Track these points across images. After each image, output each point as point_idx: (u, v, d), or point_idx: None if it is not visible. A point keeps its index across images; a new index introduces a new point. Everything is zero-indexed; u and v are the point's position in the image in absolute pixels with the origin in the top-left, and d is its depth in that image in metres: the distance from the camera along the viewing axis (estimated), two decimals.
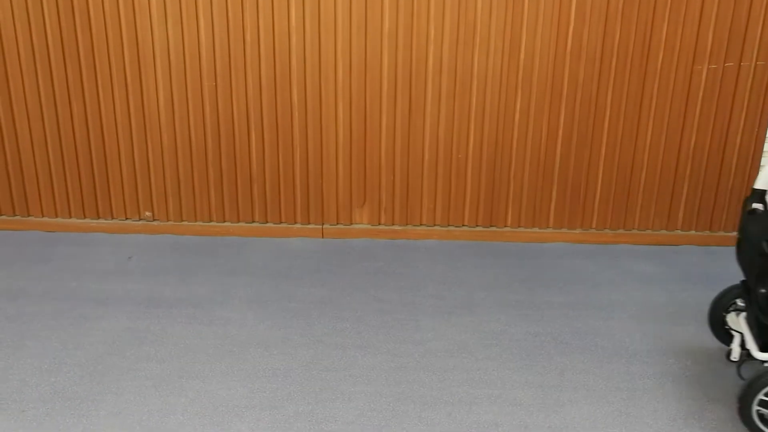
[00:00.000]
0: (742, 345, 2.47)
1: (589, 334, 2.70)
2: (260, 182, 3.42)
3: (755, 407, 2.12)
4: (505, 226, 3.50)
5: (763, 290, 2.08)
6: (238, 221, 3.49)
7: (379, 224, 3.49)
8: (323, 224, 3.49)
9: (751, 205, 2.31)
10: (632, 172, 3.37)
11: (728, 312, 2.52)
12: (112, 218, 3.50)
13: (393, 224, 3.49)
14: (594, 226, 3.47)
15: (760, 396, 2.10)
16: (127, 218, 3.50)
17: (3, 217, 3.51)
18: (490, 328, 2.75)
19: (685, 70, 3.21)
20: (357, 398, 2.33)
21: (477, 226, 3.49)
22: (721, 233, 3.47)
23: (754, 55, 3.19)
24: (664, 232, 3.49)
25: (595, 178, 3.39)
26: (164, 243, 3.40)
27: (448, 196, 3.43)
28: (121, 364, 2.48)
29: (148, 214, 3.49)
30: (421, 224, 3.49)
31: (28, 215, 3.51)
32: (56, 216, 3.50)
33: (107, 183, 3.44)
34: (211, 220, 3.50)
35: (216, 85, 3.25)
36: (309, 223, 3.50)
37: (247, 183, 3.42)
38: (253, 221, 3.49)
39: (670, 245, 3.46)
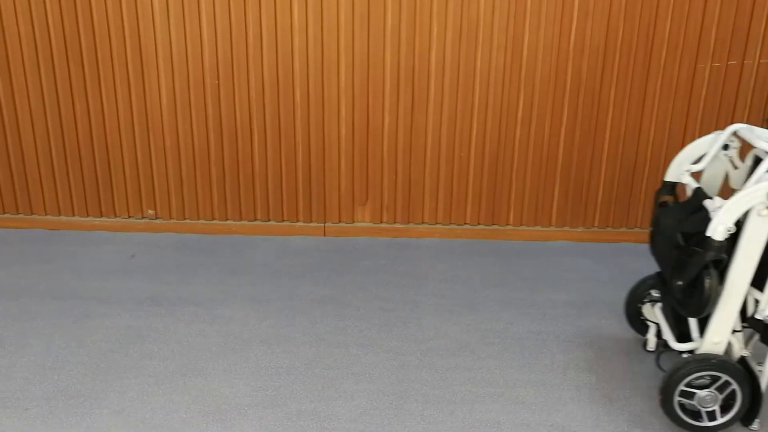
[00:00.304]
0: (658, 335, 2.50)
1: (591, 333, 2.70)
2: (262, 180, 3.42)
3: (677, 398, 2.12)
4: (507, 225, 3.50)
5: (679, 282, 2.08)
6: (241, 219, 3.50)
7: (381, 222, 3.49)
8: (325, 222, 3.49)
9: (661, 198, 2.33)
10: (635, 170, 3.37)
11: (644, 303, 2.55)
12: (115, 216, 3.51)
13: (395, 222, 3.49)
14: (596, 224, 3.47)
15: (681, 387, 2.10)
16: (129, 216, 3.51)
17: (6, 215, 3.52)
18: (492, 326, 2.75)
19: (688, 68, 3.20)
20: (359, 396, 2.34)
21: (479, 224, 3.49)
22: None
23: (757, 53, 3.18)
24: None
25: (598, 176, 3.38)
26: (167, 241, 3.41)
27: (450, 195, 3.43)
28: (124, 362, 2.49)
29: (150, 212, 3.49)
30: (423, 222, 3.49)
31: (31, 213, 3.51)
32: (59, 214, 3.50)
33: (110, 181, 3.44)
34: (213, 219, 3.50)
35: (218, 82, 3.25)
36: (311, 222, 3.50)
37: (249, 181, 3.42)
38: (256, 219, 3.50)
39: None
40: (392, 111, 3.29)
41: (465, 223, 3.49)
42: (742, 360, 2.16)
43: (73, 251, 3.29)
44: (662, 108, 3.26)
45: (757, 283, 2.08)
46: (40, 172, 3.43)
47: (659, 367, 2.41)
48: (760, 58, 3.19)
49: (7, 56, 3.23)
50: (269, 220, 3.50)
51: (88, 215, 3.50)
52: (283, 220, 3.50)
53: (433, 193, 3.43)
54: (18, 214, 3.52)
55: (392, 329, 2.71)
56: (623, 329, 2.72)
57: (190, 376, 2.42)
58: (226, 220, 3.50)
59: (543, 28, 3.15)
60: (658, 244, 2.30)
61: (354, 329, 2.70)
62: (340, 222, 3.49)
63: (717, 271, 2.00)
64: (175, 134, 3.34)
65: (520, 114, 3.29)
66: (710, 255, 1.96)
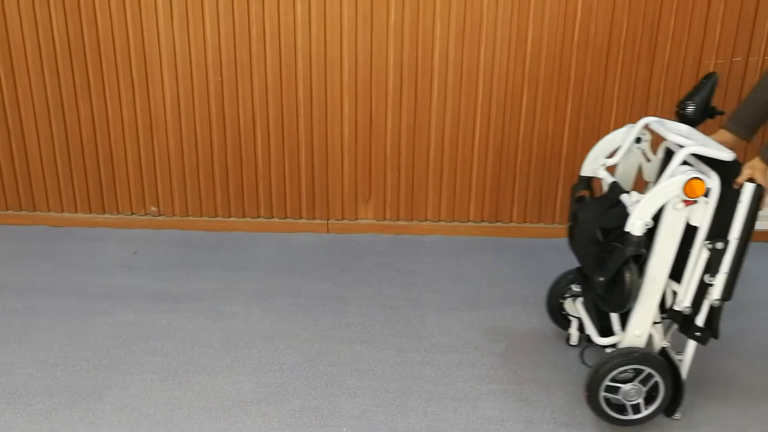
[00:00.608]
0: (580, 329, 2.50)
1: None
2: (266, 178, 3.42)
3: (602, 393, 2.11)
4: (511, 222, 3.49)
5: (600, 279, 2.08)
6: (244, 216, 3.49)
7: (385, 219, 3.48)
8: (329, 219, 3.49)
9: (578, 193, 2.32)
10: None
11: (565, 298, 2.54)
12: (118, 213, 3.51)
13: (398, 219, 3.48)
14: None
15: (606, 382, 2.10)
16: (133, 213, 3.51)
17: (10, 212, 3.52)
18: (496, 324, 2.74)
19: (692, 64, 3.19)
20: (362, 393, 2.33)
21: (482, 221, 3.48)
22: None
23: (762, 50, 3.17)
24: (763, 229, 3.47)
25: None
26: (170, 238, 3.41)
27: (454, 192, 3.42)
28: (127, 359, 2.49)
29: (153, 209, 3.49)
30: (426, 219, 3.48)
31: (35, 210, 3.52)
32: (62, 211, 3.51)
33: (113, 178, 3.44)
34: (216, 216, 3.50)
35: (222, 80, 3.25)
36: (314, 219, 3.50)
37: (252, 178, 3.42)
38: (259, 216, 3.49)
39: None
40: (395, 108, 3.28)
41: (468, 220, 3.48)
42: (663, 351, 2.17)
43: (77, 248, 3.29)
44: (666, 104, 3.25)
45: (674, 275, 2.08)
46: (43, 169, 3.43)
47: (584, 362, 2.40)
48: (764, 55, 3.18)
49: (11, 54, 3.23)
50: (272, 217, 3.49)
51: (91, 212, 3.51)
52: (286, 217, 3.50)
53: (436, 190, 3.42)
54: (21, 211, 3.52)
55: (395, 326, 2.70)
56: None
57: (193, 372, 2.42)
58: (229, 217, 3.49)
59: (547, 24, 3.14)
60: (576, 239, 2.29)
61: (357, 326, 2.70)
62: (343, 219, 3.49)
63: (637, 265, 1.99)
64: (178, 132, 3.34)
65: (523, 110, 3.28)
66: (629, 250, 1.96)
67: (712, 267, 2.00)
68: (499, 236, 3.47)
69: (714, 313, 2.06)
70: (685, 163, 2.04)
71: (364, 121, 3.30)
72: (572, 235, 2.33)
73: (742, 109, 2.19)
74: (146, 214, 3.50)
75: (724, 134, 2.21)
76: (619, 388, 2.11)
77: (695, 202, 1.95)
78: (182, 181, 3.43)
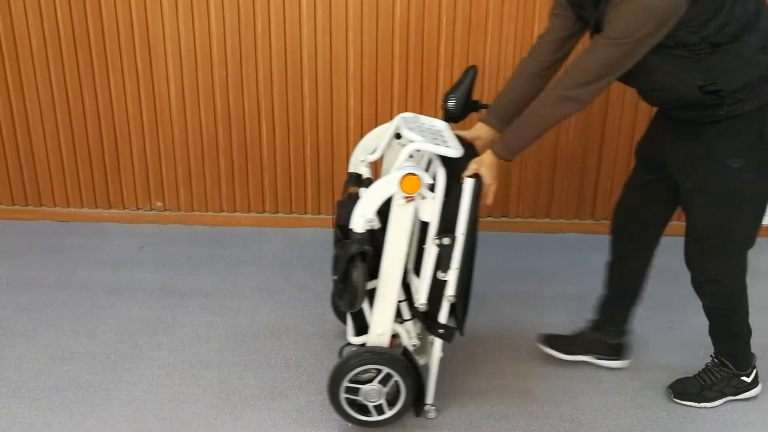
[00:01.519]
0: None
1: None
2: (271, 172, 3.41)
3: (343, 395, 2.07)
4: (517, 217, 3.48)
5: (334, 277, 2.01)
6: (249, 211, 3.50)
7: None
8: (334, 214, 3.48)
9: (349, 189, 2.27)
10: None
11: None
12: (124, 208, 3.51)
13: None
14: (606, 216, 3.45)
15: (346, 383, 2.05)
16: (138, 208, 3.51)
17: (16, 206, 3.53)
18: (501, 318, 2.74)
19: None
20: None
21: (488, 216, 3.48)
22: None
23: None
24: (676, 222, 3.44)
25: (608, 166, 3.36)
26: (175, 233, 3.41)
27: None
28: (134, 353, 2.49)
29: (159, 204, 3.50)
30: None
31: (41, 205, 3.52)
32: (68, 206, 3.51)
33: (119, 173, 3.44)
34: (222, 210, 3.50)
35: (227, 74, 3.24)
36: (320, 213, 3.49)
37: (258, 173, 3.42)
38: (264, 211, 3.50)
39: (683, 236, 3.43)
40: (401, 102, 3.27)
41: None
42: (405, 351, 2.10)
43: (83, 243, 3.30)
44: None
45: (419, 271, 2.04)
46: (49, 164, 3.44)
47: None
48: None
49: (17, 49, 3.23)
50: (278, 212, 3.49)
51: (97, 207, 3.51)
52: (291, 212, 3.50)
53: None
54: (27, 205, 3.53)
55: None
56: (636, 321, 2.71)
57: (199, 367, 2.43)
58: (235, 212, 3.50)
59: None
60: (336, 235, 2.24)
61: None
62: None
63: (364, 263, 1.93)
64: (183, 126, 3.34)
65: None
66: (354, 248, 1.90)
67: (442, 263, 1.95)
68: (505, 231, 3.47)
69: (455, 309, 2.01)
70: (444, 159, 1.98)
71: (370, 114, 3.30)
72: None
73: (498, 102, 2.14)
74: (152, 209, 3.50)
75: (481, 128, 2.17)
76: (359, 389, 2.05)
77: (414, 198, 1.89)
78: (187, 176, 3.43)
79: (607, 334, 2.42)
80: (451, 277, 1.95)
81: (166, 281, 2.96)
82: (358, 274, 1.92)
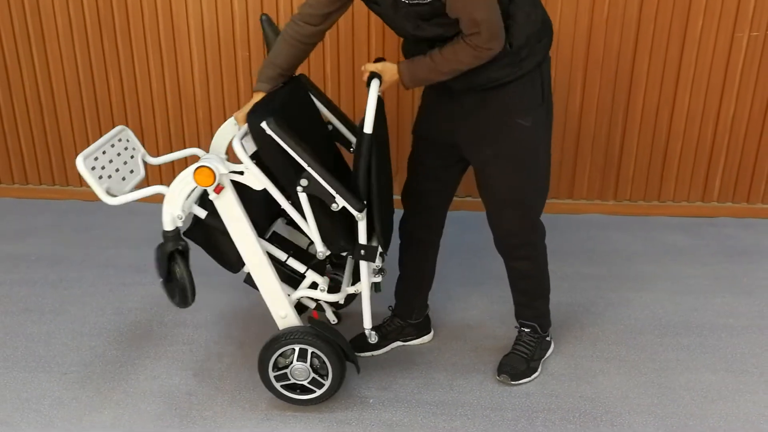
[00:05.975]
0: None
1: (621, 306, 2.69)
2: None
3: (276, 384, 2.11)
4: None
5: (160, 279, 2.03)
6: None
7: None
8: None
9: None
10: (668, 143, 3.32)
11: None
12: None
13: None
14: (628, 197, 3.43)
15: (271, 369, 2.09)
16: None
17: (43, 186, 3.59)
18: None
19: (725, 38, 3.13)
20: (389, 365, 2.36)
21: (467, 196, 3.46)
22: (759, 205, 3.41)
23: None
24: (699, 203, 3.44)
25: (630, 148, 3.34)
26: None
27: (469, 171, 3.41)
28: (159, 330, 2.54)
29: None
30: None
31: (68, 185, 3.58)
32: None
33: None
34: None
35: (249, 55, 3.26)
36: None
37: None
38: None
39: (706, 217, 3.41)
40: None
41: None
42: (311, 321, 2.10)
43: (109, 221, 3.35)
44: (697, 79, 3.20)
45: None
46: (75, 144, 3.49)
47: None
48: None
49: (43, 33, 3.27)
50: None
51: None
52: None
53: None
54: (54, 185, 3.59)
55: None
56: (654, 302, 2.71)
57: (223, 344, 2.47)
58: None
59: (576, 0, 3.09)
60: None
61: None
62: None
63: (185, 259, 1.96)
64: (207, 107, 3.37)
65: (552, 86, 3.24)
66: (169, 246, 1.93)
67: (324, 199, 1.89)
68: None
69: (372, 223, 1.98)
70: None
71: (391, 94, 3.30)
72: None
73: (266, 66, 2.06)
74: None
75: (258, 95, 2.08)
76: (285, 373, 2.09)
77: (224, 186, 1.88)
78: None
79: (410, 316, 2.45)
80: (340, 201, 1.87)
81: (191, 259, 2.99)
82: (180, 270, 1.97)
